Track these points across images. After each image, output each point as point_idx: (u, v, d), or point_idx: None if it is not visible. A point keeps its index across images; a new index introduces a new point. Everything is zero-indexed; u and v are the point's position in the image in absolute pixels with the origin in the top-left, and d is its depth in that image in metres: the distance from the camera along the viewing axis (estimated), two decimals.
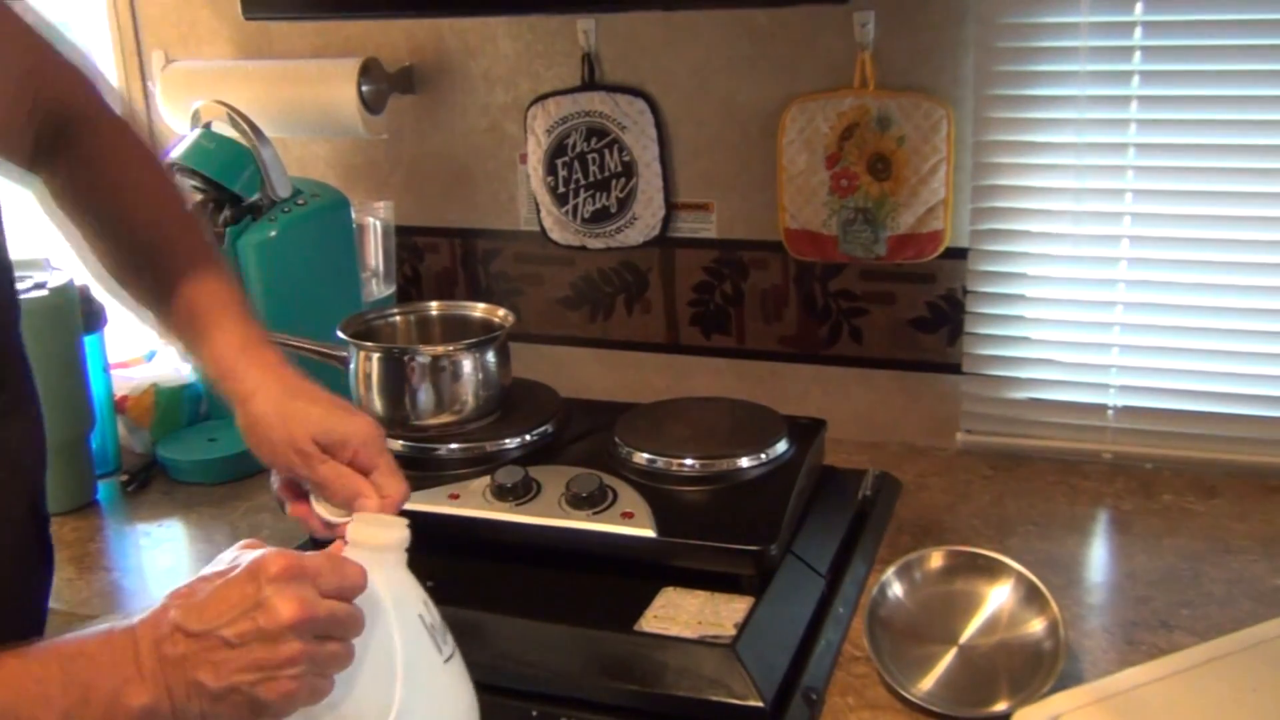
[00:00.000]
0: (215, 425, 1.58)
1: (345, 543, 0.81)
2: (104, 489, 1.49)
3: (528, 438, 1.29)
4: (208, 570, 0.75)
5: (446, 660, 0.82)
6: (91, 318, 1.45)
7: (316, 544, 0.90)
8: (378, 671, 0.76)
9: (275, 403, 0.92)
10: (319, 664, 0.73)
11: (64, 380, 1.40)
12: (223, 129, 1.50)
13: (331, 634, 0.73)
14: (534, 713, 1.01)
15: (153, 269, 1.00)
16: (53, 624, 1.23)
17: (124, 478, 1.50)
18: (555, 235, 1.62)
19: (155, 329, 1.03)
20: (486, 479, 1.19)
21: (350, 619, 0.75)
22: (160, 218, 1.01)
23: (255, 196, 1.46)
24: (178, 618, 0.71)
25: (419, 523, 1.21)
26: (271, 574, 0.72)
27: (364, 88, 1.60)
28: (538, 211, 1.63)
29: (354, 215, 1.57)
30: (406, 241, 1.73)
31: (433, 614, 0.82)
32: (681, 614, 1.07)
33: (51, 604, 1.23)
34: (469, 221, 1.71)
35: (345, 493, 0.89)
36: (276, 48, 1.72)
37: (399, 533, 0.82)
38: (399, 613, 0.78)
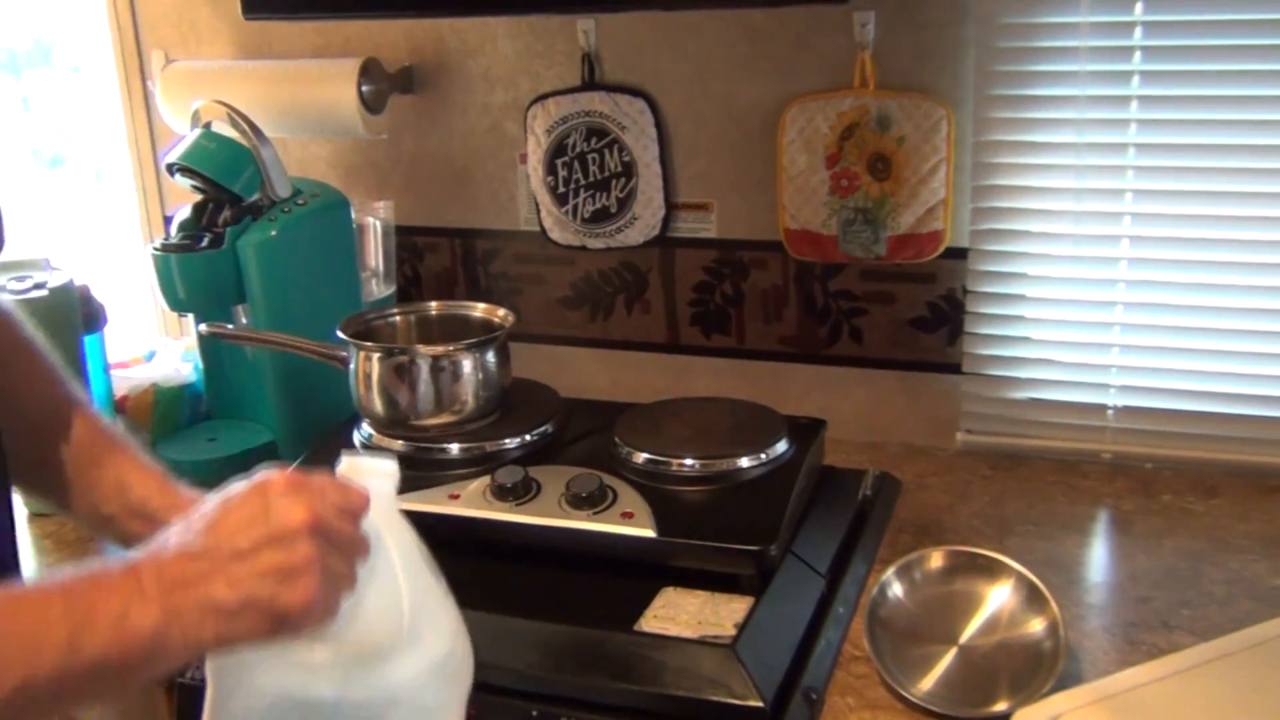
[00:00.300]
0: (215, 425, 1.58)
1: None
2: None
3: (528, 438, 1.29)
4: (199, 511, 0.74)
5: (444, 595, 0.84)
6: (91, 318, 1.45)
7: None
8: (384, 597, 0.77)
9: None
10: (331, 576, 0.72)
11: None
12: (223, 129, 1.49)
13: (339, 547, 0.73)
14: (534, 713, 1.01)
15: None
16: None
17: None
18: (555, 235, 1.62)
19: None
20: (486, 479, 1.20)
21: (356, 539, 0.75)
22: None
23: (255, 196, 1.46)
24: (180, 542, 0.71)
25: (419, 523, 1.21)
26: (278, 487, 0.72)
27: (364, 88, 1.60)
28: (538, 211, 1.63)
29: (354, 215, 1.57)
30: (406, 241, 1.73)
31: (425, 552, 0.84)
32: (681, 614, 1.07)
33: None
34: (469, 221, 1.71)
35: None
36: (276, 48, 1.72)
37: (391, 471, 0.82)
38: (398, 543, 0.80)
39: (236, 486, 0.74)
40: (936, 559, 1.12)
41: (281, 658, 0.75)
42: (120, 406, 1.54)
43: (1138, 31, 1.32)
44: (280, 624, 0.71)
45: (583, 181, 1.58)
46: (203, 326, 1.38)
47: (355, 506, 0.75)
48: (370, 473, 0.81)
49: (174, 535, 0.72)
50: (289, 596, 0.70)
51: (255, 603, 0.70)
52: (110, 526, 0.94)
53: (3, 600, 0.67)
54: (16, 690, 0.64)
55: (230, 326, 1.44)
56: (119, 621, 0.67)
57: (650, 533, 1.11)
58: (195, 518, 0.73)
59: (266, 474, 0.74)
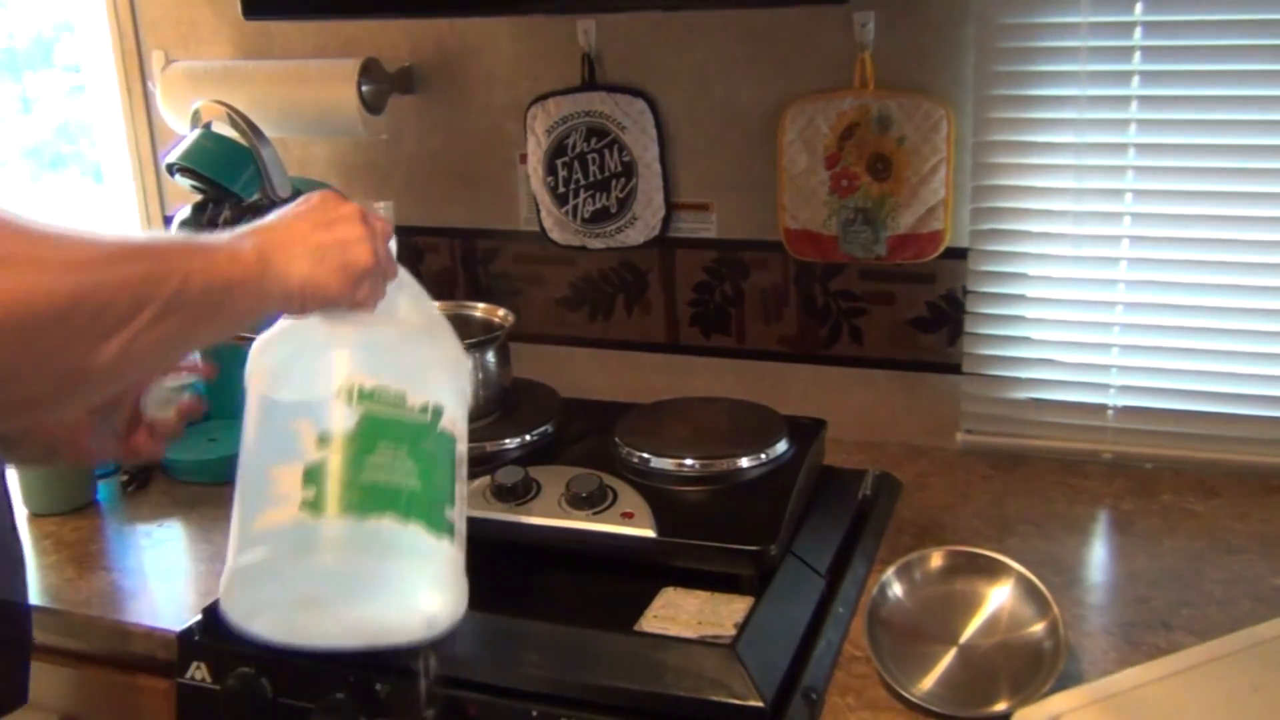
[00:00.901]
0: (215, 425, 1.58)
1: None
2: (104, 489, 1.49)
3: (528, 438, 1.29)
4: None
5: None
6: None
7: None
8: (412, 301, 0.97)
9: None
10: (381, 257, 0.90)
11: None
12: (223, 129, 1.49)
13: (383, 246, 0.91)
14: (534, 713, 1.01)
15: None
16: (53, 624, 1.23)
17: (124, 478, 1.50)
18: (555, 235, 1.62)
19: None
20: (486, 479, 1.19)
21: (390, 252, 0.94)
22: None
23: (255, 196, 1.46)
24: (266, 221, 0.87)
25: None
26: (334, 198, 0.91)
27: (364, 88, 1.60)
28: (538, 211, 1.63)
29: None
30: (406, 241, 1.73)
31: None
32: (681, 614, 1.07)
33: (52, 604, 1.24)
34: (469, 221, 1.71)
35: None
36: (276, 48, 1.72)
37: (386, 206, 1.02)
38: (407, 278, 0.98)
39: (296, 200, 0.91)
40: (936, 559, 1.12)
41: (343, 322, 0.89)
42: None
43: (1138, 31, 1.32)
44: (350, 277, 0.86)
45: (583, 181, 1.58)
46: None
47: (385, 231, 0.93)
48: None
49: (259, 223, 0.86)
50: (358, 252, 0.87)
51: (333, 251, 0.85)
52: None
53: (127, 244, 0.75)
54: (152, 318, 0.72)
55: None
56: (229, 256, 0.80)
57: (650, 533, 1.11)
58: (269, 217, 0.88)
59: (319, 193, 0.91)
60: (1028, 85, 1.37)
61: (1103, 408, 1.45)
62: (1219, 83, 1.31)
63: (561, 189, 1.59)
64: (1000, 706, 0.96)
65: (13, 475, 1.36)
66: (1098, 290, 1.41)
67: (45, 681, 1.24)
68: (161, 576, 1.30)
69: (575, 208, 1.59)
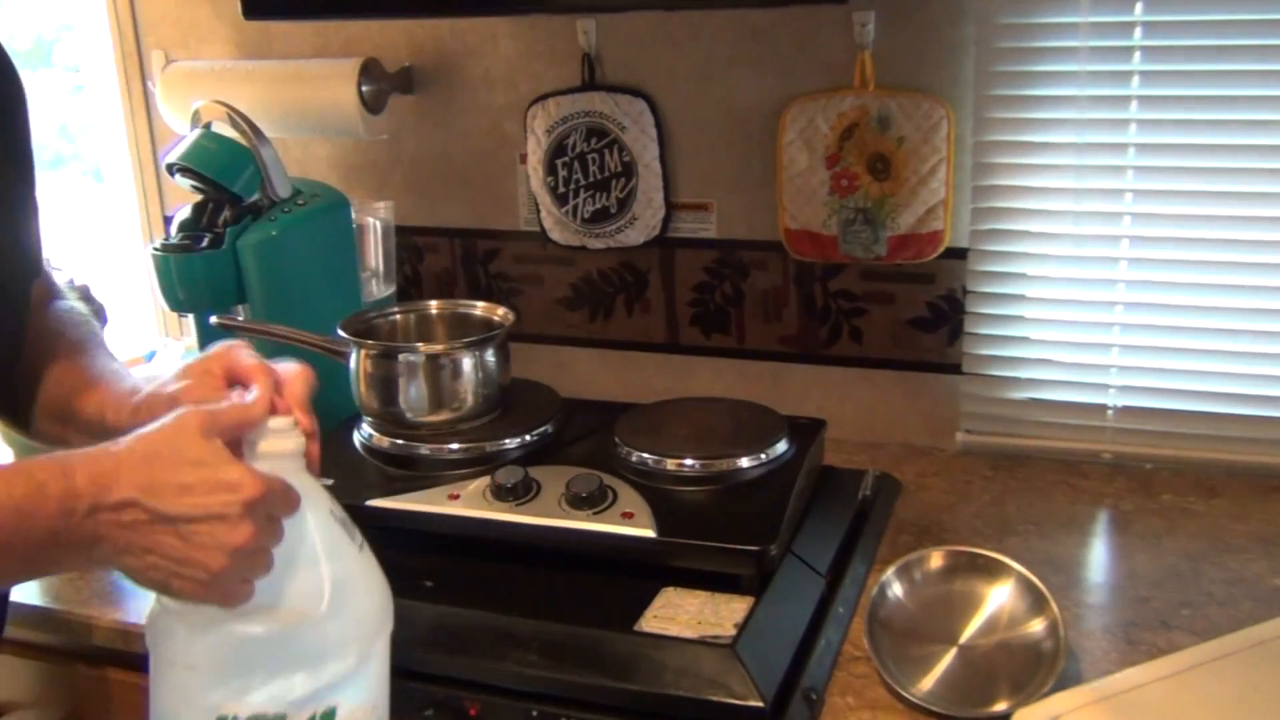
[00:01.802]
0: None
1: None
2: None
3: (528, 438, 1.29)
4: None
5: (360, 549, 0.85)
6: (91, 318, 1.45)
7: None
8: (306, 565, 0.80)
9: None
10: (248, 563, 0.76)
11: None
12: (223, 129, 1.49)
13: (260, 548, 0.76)
14: (534, 713, 1.01)
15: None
16: (53, 624, 1.23)
17: None
18: (555, 235, 1.62)
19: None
20: (486, 479, 1.19)
21: (277, 530, 0.78)
22: None
23: (255, 196, 1.46)
24: (130, 483, 0.73)
25: (419, 523, 1.22)
26: (224, 463, 0.75)
27: (364, 88, 1.60)
28: (538, 211, 1.63)
29: (354, 215, 1.57)
30: (406, 241, 1.73)
31: (339, 509, 0.85)
32: (681, 614, 1.07)
33: (52, 604, 1.24)
34: (469, 221, 1.71)
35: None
36: (276, 48, 1.72)
37: (295, 439, 0.83)
38: (313, 509, 0.82)
39: (189, 421, 0.77)
40: (936, 559, 1.12)
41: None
42: None
43: (1138, 31, 1.32)
44: (200, 586, 0.74)
45: (583, 181, 1.58)
46: (213, 318, 1.39)
47: (288, 509, 0.78)
48: (276, 439, 0.82)
49: (124, 460, 0.74)
50: (209, 558, 0.73)
51: (166, 578, 0.74)
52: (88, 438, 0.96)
53: None
54: None
55: (240, 318, 1.45)
56: (61, 510, 0.72)
57: (650, 533, 1.11)
58: (152, 444, 0.75)
59: (209, 428, 0.76)
60: (1028, 85, 1.37)
61: (1103, 408, 1.45)
62: (1219, 83, 1.31)
63: (561, 189, 1.59)
64: (1000, 706, 0.96)
65: None
66: (1097, 290, 1.41)
67: (46, 681, 1.24)
68: None
69: (575, 208, 1.59)
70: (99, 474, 0.73)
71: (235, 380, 0.87)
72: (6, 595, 1.08)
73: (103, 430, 0.92)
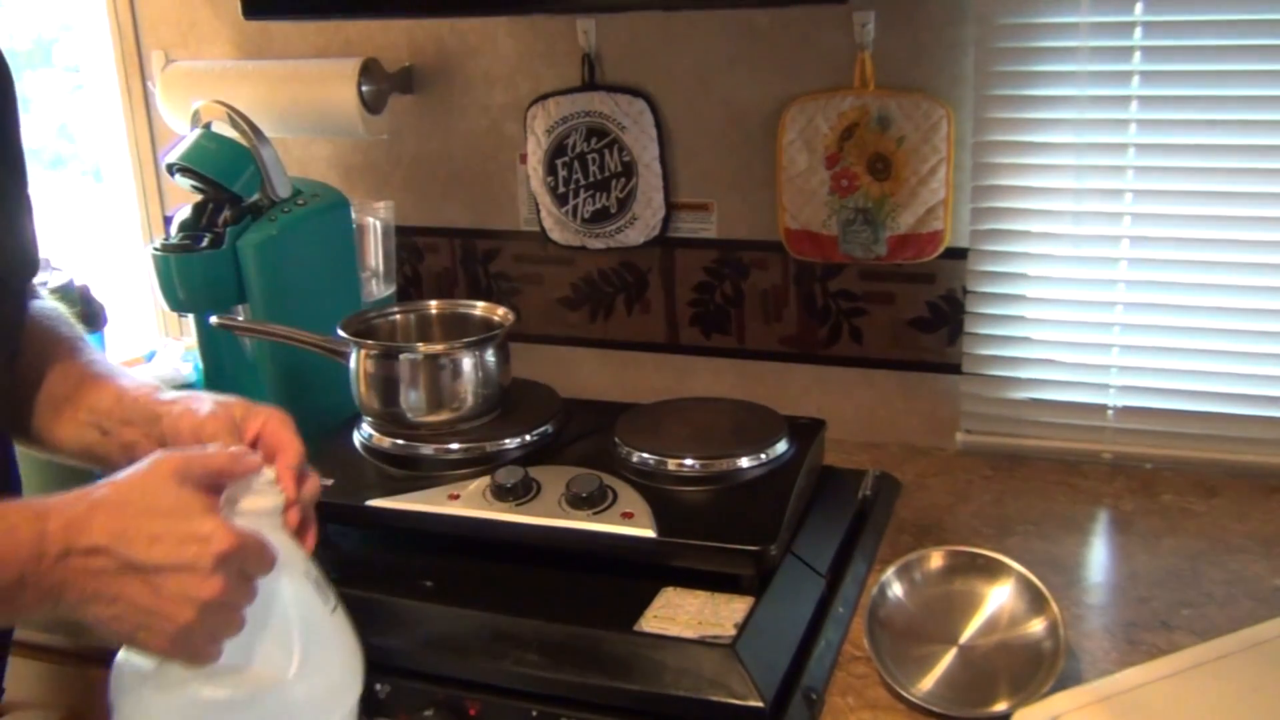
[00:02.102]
0: None
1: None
2: None
3: (528, 438, 1.29)
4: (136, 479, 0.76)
5: (333, 611, 0.84)
6: (91, 318, 1.45)
7: None
8: (277, 627, 0.79)
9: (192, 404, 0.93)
10: (218, 622, 0.75)
11: None
12: (223, 129, 1.49)
13: (231, 604, 0.75)
14: (534, 713, 1.01)
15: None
16: (54, 623, 1.23)
17: None
18: (555, 235, 1.62)
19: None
20: (486, 479, 1.19)
21: (251, 590, 0.77)
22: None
23: (255, 196, 1.46)
24: (102, 529, 0.73)
25: (419, 523, 1.22)
26: (203, 518, 0.74)
27: (364, 88, 1.60)
28: (538, 211, 1.63)
29: (354, 215, 1.57)
30: (406, 241, 1.73)
31: (315, 570, 0.85)
32: (681, 614, 1.07)
33: None
34: (469, 221, 1.71)
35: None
36: (276, 48, 1.72)
37: (275, 496, 0.83)
38: (288, 570, 0.80)
39: (168, 465, 0.76)
40: (936, 559, 1.12)
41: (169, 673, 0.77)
42: None
43: (1138, 31, 1.32)
44: (165, 639, 0.73)
45: (583, 181, 1.58)
46: (213, 318, 1.39)
47: (261, 567, 0.77)
48: (256, 498, 0.81)
49: (98, 505, 0.74)
50: (178, 611, 0.72)
51: (132, 630, 0.73)
52: (110, 441, 0.96)
53: None
54: None
55: (240, 318, 1.45)
56: (33, 554, 0.71)
57: (650, 533, 1.11)
58: (125, 491, 0.75)
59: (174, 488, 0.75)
60: (1028, 85, 1.37)
61: (1103, 408, 1.45)
62: (1219, 83, 1.31)
63: (561, 189, 1.59)
64: (1000, 706, 0.96)
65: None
66: (1098, 290, 1.41)
67: (47, 681, 1.24)
68: None
69: (575, 208, 1.59)
70: (72, 519, 0.73)
71: (258, 444, 0.88)
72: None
73: (120, 419, 0.93)
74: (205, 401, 0.92)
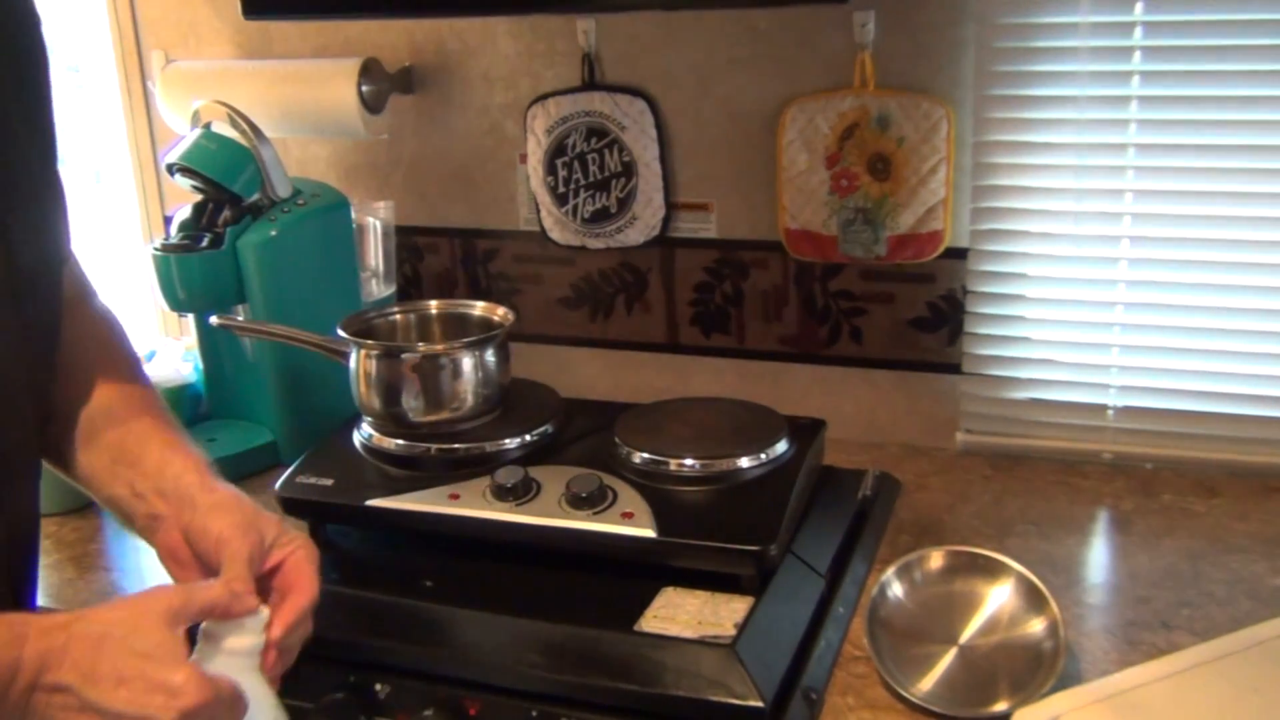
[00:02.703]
0: (215, 425, 1.58)
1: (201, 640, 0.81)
2: None
3: (528, 438, 1.29)
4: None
5: None
6: None
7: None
8: None
9: (237, 505, 0.91)
10: None
11: None
12: (223, 129, 1.50)
13: None
14: (534, 713, 1.01)
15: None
16: None
17: None
18: (555, 235, 1.62)
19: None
20: (486, 479, 1.19)
21: None
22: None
23: (255, 196, 1.46)
24: (71, 661, 0.71)
25: (419, 523, 1.22)
26: (178, 668, 0.73)
27: (364, 88, 1.60)
28: (538, 211, 1.63)
29: (354, 215, 1.57)
30: (406, 241, 1.73)
31: (283, 714, 0.83)
32: (681, 614, 1.07)
33: (51, 604, 1.24)
34: (469, 221, 1.71)
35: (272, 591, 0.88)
36: (276, 48, 1.72)
37: (259, 636, 0.81)
38: (259, 715, 0.79)
39: (155, 609, 0.75)
40: (936, 559, 1.12)
41: None
42: None
43: (1138, 31, 1.32)
44: None
45: (583, 181, 1.58)
46: (213, 318, 1.39)
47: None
48: (239, 635, 0.80)
49: (75, 638, 0.72)
50: None
51: None
52: (137, 503, 0.94)
53: None
54: None
55: (240, 318, 1.45)
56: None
57: (650, 533, 1.11)
58: (110, 625, 0.73)
59: (174, 617, 0.75)
60: (1028, 85, 1.37)
61: (1103, 408, 1.45)
62: (1219, 83, 1.31)
63: (561, 189, 1.59)
64: (1000, 706, 0.96)
65: None
66: (1098, 290, 1.41)
67: None
68: (160, 577, 1.30)
69: (575, 208, 1.59)
70: (47, 650, 0.72)
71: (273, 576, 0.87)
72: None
73: (156, 489, 0.91)
74: (242, 509, 0.90)
